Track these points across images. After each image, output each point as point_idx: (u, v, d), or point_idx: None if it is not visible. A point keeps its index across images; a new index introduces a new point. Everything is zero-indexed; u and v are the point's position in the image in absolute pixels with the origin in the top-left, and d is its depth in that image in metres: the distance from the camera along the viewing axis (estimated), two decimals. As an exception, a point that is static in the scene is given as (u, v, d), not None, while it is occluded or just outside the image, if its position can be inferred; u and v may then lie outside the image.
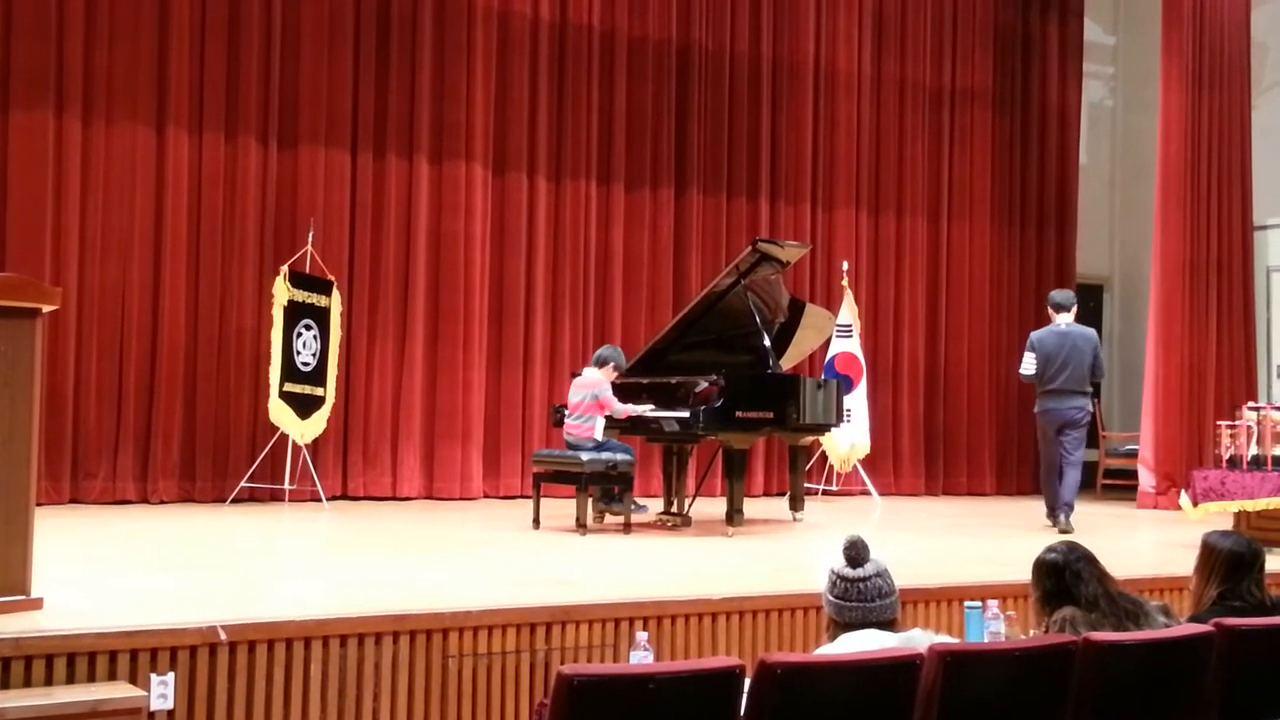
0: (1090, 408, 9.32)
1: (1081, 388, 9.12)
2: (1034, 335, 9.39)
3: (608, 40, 11.23)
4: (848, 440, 11.14)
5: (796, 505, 9.17)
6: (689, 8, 11.58)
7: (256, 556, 6.90)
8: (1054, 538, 4.25)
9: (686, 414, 7.98)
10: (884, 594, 3.59)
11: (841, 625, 3.58)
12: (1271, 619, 4.11)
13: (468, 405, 10.41)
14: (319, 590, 5.77)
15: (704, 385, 8.08)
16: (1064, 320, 9.27)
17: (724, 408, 7.85)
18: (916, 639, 3.53)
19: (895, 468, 12.43)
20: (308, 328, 9.39)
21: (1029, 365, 9.20)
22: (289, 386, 9.22)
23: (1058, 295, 9.55)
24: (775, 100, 12.06)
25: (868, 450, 11.42)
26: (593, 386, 8.19)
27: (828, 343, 10.77)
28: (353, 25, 10.12)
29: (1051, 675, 3.54)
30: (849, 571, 3.61)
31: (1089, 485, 12.90)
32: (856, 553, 3.64)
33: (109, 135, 9.23)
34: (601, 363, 8.38)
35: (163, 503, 9.17)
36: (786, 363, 8.83)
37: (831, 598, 3.63)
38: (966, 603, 4.26)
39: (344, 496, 9.93)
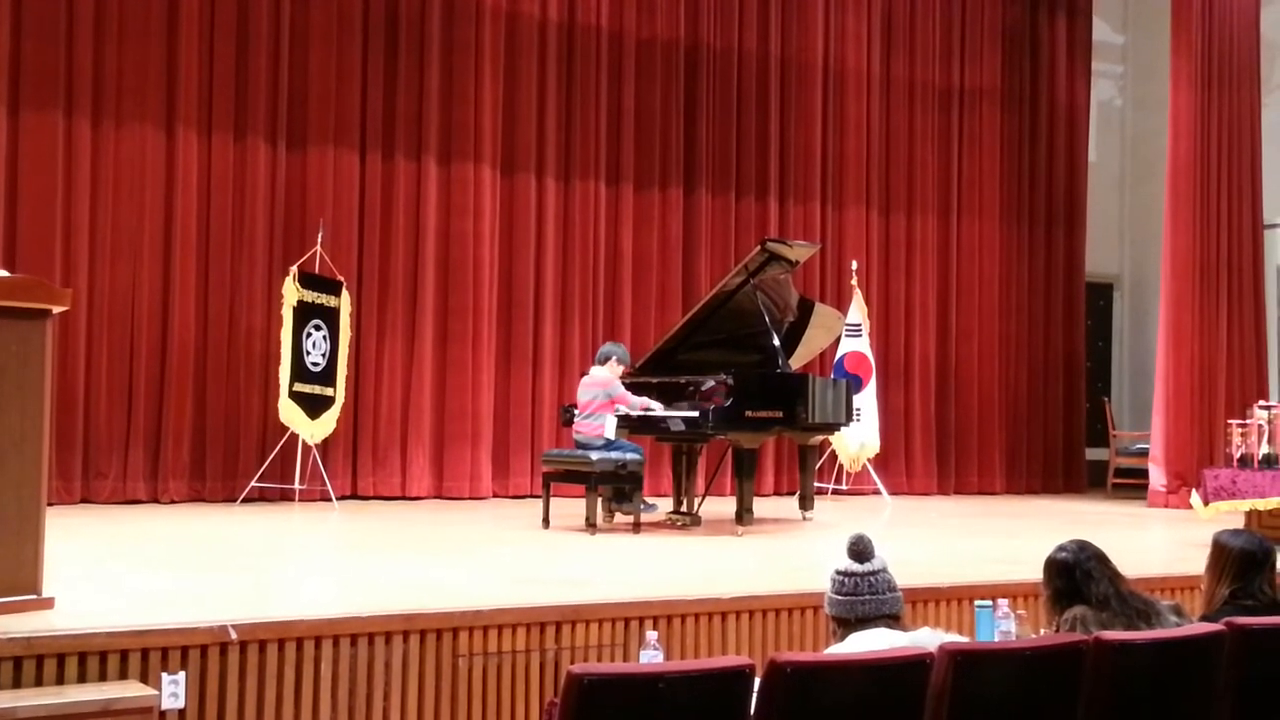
0: None
1: None
2: None
3: (616, 41, 11.22)
4: (857, 439, 11.13)
5: (806, 505, 9.16)
6: (697, 8, 11.58)
7: (267, 556, 6.90)
8: (1064, 536, 4.23)
9: (695, 413, 7.97)
10: (893, 588, 3.65)
11: (852, 623, 3.59)
12: (1284, 618, 4.09)
13: (477, 405, 10.42)
14: (329, 590, 5.78)
15: (710, 384, 8.07)
16: None
17: (733, 407, 7.84)
18: (926, 638, 3.52)
19: (906, 467, 12.42)
20: (317, 328, 9.40)
21: None
22: (298, 386, 9.23)
23: None
24: (784, 100, 12.05)
25: (877, 449, 11.41)
26: (603, 385, 8.19)
27: (837, 342, 10.76)
28: (361, 26, 10.13)
29: (1062, 674, 3.53)
30: (858, 567, 3.64)
31: (1099, 484, 12.94)
32: (864, 547, 3.67)
33: (118, 136, 9.25)
34: (605, 359, 8.37)
35: (173, 502, 9.18)
36: (796, 362, 8.82)
37: (840, 596, 3.63)
38: (977, 602, 4.26)
39: (353, 496, 9.94)
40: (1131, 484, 12.31)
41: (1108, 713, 3.58)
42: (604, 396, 8.13)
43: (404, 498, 10.07)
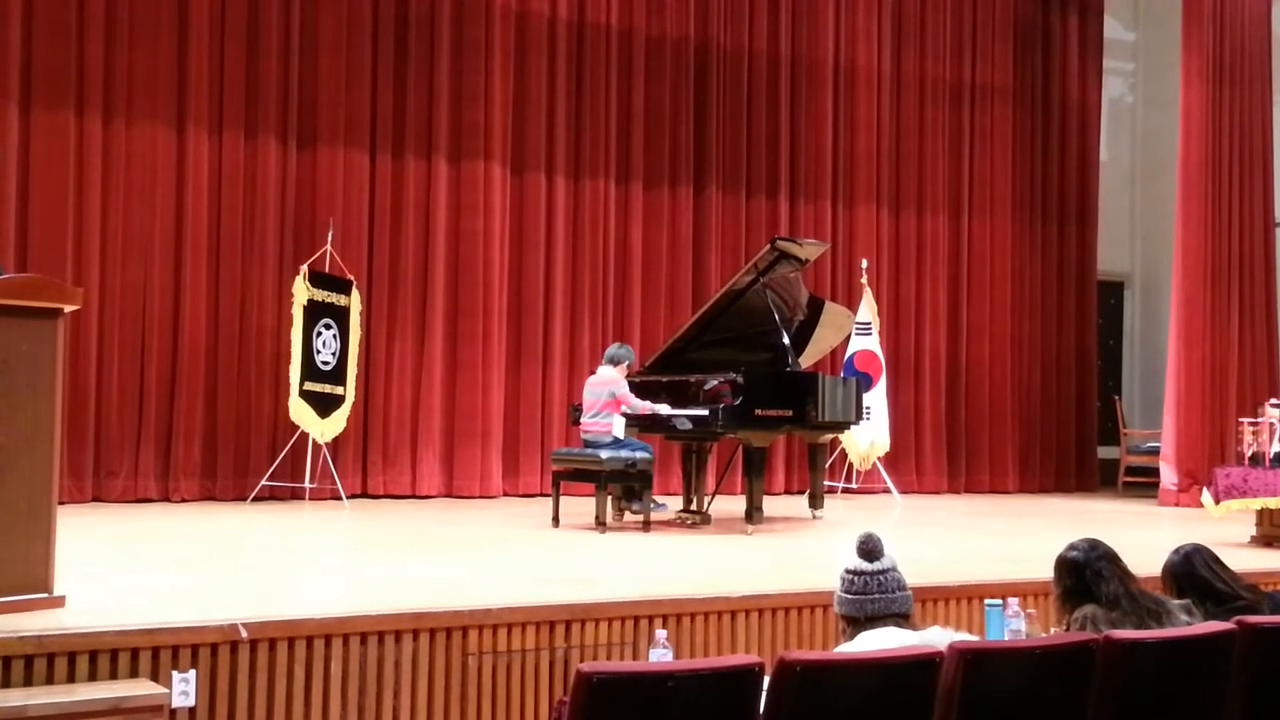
0: None
1: None
2: None
3: (626, 39, 11.22)
4: (867, 438, 11.11)
5: (816, 503, 9.15)
6: (707, 6, 11.56)
7: (277, 555, 6.92)
8: (1075, 535, 4.22)
9: (704, 412, 7.97)
10: (903, 586, 3.66)
11: (862, 621, 3.59)
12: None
13: (487, 404, 10.42)
14: (339, 588, 5.79)
15: (714, 382, 8.07)
16: None
17: (743, 406, 7.84)
18: (936, 637, 3.52)
19: (917, 465, 12.40)
20: (327, 327, 9.41)
21: None
22: (309, 385, 9.25)
23: None
24: (794, 98, 12.03)
25: (887, 448, 11.38)
26: (609, 384, 8.20)
27: (847, 340, 10.74)
28: (371, 25, 10.14)
29: (1072, 673, 3.53)
30: (868, 565, 3.64)
31: (1110, 482, 12.91)
32: (873, 545, 3.67)
33: (130, 135, 9.27)
34: (614, 361, 8.39)
35: (184, 501, 9.20)
36: (805, 361, 8.82)
37: (850, 595, 3.63)
38: (987, 600, 4.25)
39: (364, 495, 9.95)
40: (1143, 482, 12.28)
41: (1118, 712, 3.57)
42: (608, 395, 8.15)
43: (414, 497, 10.08)
